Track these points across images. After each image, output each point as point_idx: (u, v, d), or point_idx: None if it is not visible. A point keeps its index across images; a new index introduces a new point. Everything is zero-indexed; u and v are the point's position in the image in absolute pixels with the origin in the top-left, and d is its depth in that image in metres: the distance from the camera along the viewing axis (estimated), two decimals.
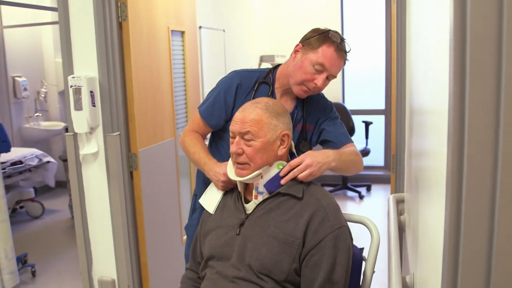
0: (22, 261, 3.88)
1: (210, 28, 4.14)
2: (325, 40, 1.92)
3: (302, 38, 2.02)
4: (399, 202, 2.40)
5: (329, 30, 1.96)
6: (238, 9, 5.22)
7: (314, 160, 1.71)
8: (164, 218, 3.21)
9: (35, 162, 5.21)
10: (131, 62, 2.76)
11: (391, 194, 2.56)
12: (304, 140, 2.07)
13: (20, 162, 5.01)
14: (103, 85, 2.68)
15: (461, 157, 0.67)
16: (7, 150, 4.29)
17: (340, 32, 6.00)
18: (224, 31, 4.52)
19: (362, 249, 1.88)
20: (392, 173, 2.58)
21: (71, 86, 2.65)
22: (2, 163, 4.56)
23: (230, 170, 1.76)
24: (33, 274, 3.88)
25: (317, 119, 2.10)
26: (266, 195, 1.69)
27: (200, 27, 3.88)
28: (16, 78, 5.97)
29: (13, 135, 5.92)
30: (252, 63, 5.65)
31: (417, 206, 1.60)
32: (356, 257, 1.79)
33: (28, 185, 5.78)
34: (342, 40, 1.95)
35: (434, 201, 1.13)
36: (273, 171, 1.69)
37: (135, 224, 2.85)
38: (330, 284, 1.56)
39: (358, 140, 6.02)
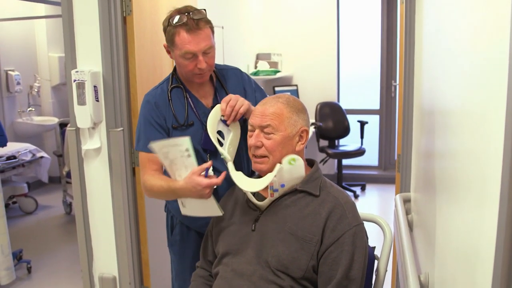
0: (17, 257, 3.83)
1: None
2: (174, 30, 1.85)
3: None
4: (406, 201, 2.40)
5: (171, 15, 1.89)
6: (236, 6, 5.20)
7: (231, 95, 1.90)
8: (164, 215, 3.18)
9: (28, 157, 5.15)
10: (135, 57, 2.73)
11: (396, 194, 2.56)
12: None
13: (14, 157, 4.95)
14: (107, 80, 2.65)
15: None
16: (3, 144, 4.24)
17: (336, 31, 6.02)
18: (223, 28, 4.49)
19: (373, 248, 1.88)
20: (397, 173, 2.58)
21: (74, 81, 2.62)
22: None
23: (238, 178, 1.73)
24: (29, 270, 3.84)
25: (243, 92, 2.10)
26: (281, 192, 1.67)
27: None
28: (9, 72, 5.89)
29: (6, 129, 5.84)
30: (249, 61, 5.63)
31: (434, 206, 1.60)
32: (369, 256, 1.79)
33: (21, 180, 5.72)
34: (188, 12, 1.86)
35: (462, 202, 1.12)
36: (286, 168, 1.67)
37: (137, 220, 2.82)
38: (348, 281, 1.56)
39: (353, 139, 6.03)
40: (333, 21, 6.11)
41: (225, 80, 2.11)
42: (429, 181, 1.77)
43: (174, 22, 1.85)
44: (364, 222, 1.90)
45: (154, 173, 1.95)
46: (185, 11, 1.87)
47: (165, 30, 1.91)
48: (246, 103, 1.89)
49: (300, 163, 1.68)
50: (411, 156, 2.46)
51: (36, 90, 6.26)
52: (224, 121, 1.92)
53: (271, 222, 1.65)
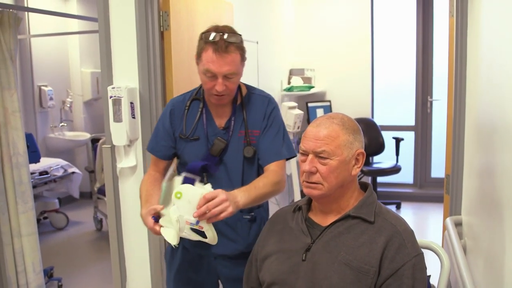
0: (48, 274, 3.79)
1: (245, 40, 4.03)
2: (204, 45, 1.84)
3: None
4: (457, 225, 2.27)
5: (209, 30, 1.87)
6: (271, 22, 5.13)
7: (228, 197, 1.65)
8: None
9: (60, 173, 5.14)
10: (172, 73, 2.67)
11: (446, 217, 2.43)
12: (248, 145, 1.97)
13: (46, 172, 4.94)
14: (144, 96, 2.60)
15: None
16: (36, 160, 4.23)
17: (369, 45, 5.91)
18: (257, 43, 4.42)
19: (429, 276, 1.75)
20: (446, 195, 2.45)
21: (110, 97, 2.56)
22: (31, 174, 4.48)
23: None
24: None
25: (260, 124, 2.01)
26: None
27: None
28: (42, 87, 5.92)
29: (38, 144, 5.85)
30: (282, 77, 5.55)
31: (502, 231, 1.48)
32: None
33: (53, 195, 5.71)
34: (223, 33, 1.83)
35: None
36: (179, 204, 1.68)
37: None
38: None
39: (388, 156, 5.88)
40: (367, 35, 5.99)
41: (248, 103, 2.02)
42: (493, 203, 1.65)
43: (204, 37, 1.85)
44: None
45: (152, 176, 2.04)
46: (221, 31, 1.85)
47: (198, 41, 1.90)
48: (230, 211, 1.65)
49: (186, 190, 1.67)
50: (462, 176, 2.33)
51: (68, 105, 6.29)
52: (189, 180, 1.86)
53: (323, 251, 1.52)
